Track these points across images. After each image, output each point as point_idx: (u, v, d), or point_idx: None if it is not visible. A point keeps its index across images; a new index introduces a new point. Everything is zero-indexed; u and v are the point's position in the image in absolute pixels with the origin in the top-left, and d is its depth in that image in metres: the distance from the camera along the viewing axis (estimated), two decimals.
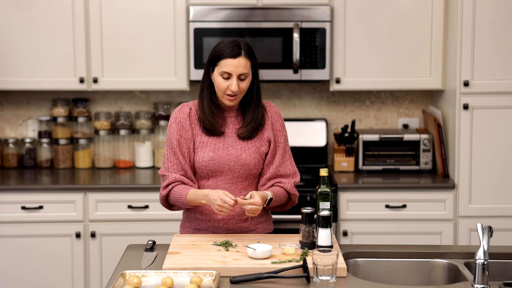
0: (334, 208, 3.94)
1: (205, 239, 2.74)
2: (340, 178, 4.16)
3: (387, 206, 4.00)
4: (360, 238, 3.97)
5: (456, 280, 2.55)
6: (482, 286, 2.31)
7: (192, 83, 4.21)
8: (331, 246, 2.56)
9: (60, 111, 4.41)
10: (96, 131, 4.42)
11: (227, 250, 2.61)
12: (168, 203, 2.82)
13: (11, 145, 4.42)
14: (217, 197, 2.61)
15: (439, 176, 4.16)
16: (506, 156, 3.99)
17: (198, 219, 2.84)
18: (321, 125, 4.44)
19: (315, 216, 2.63)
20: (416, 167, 4.25)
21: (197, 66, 4.10)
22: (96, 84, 4.17)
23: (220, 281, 2.38)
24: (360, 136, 4.28)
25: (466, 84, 3.95)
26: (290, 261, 2.50)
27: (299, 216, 2.64)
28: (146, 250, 2.71)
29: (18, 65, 4.14)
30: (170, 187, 2.76)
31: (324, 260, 2.28)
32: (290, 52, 4.10)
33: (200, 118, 2.79)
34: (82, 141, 4.42)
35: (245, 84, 2.74)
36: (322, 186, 2.69)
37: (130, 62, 4.17)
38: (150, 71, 4.18)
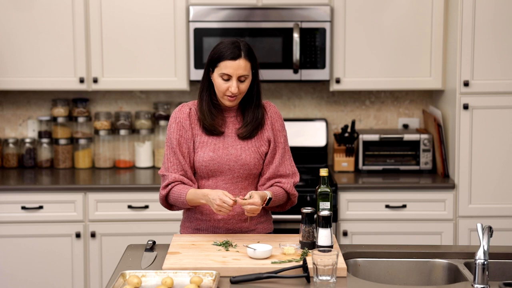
0: (334, 208, 3.94)
1: (205, 239, 2.74)
2: (340, 178, 4.16)
3: (387, 206, 4.00)
4: (360, 238, 3.97)
5: (456, 280, 2.55)
6: (482, 286, 2.31)
7: (192, 83, 4.21)
8: (331, 246, 2.56)
9: (60, 111, 4.41)
10: (96, 131, 4.42)
11: (227, 250, 2.61)
12: (167, 203, 2.82)
13: (11, 145, 4.42)
14: (216, 197, 2.61)
15: (439, 176, 4.16)
16: (506, 156, 3.99)
17: (198, 219, 2.84)
18: (321, 125, 4.44)
19: (315, 216, 2.63)
20: (416, 167, 4.25)
21: (197, 66, 4.10)
22: (96, 84, 4.17)
23: (220, 281, 2.38)
24: (360, 136, 4.28)
25: (466, 84, 3.95)
26: (290, 261, 2.50)
27: (299, 216, 2.64)
28: (146, 250, 2.71)
29: (18, 65, 4.14)
30: (169, 187, 2.77)
31: (324, 260, 2.28)
32: (290, 52, 4.10)
33: (200, 118, 2.79)
34: (82, 141, 4.42)
35: (245, 86, 2.74)
36: (322, 186, 2.69)
37: (130, 62, 4.17)
38: (150, 71, 4.18)
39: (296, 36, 4.06)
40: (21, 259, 3.96)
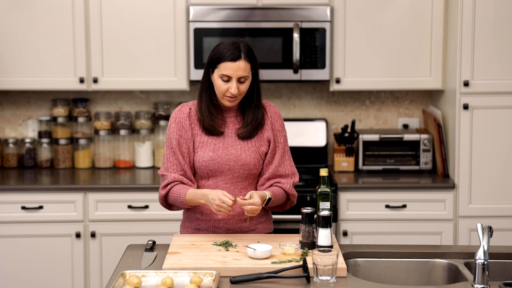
0: (334, 208, 3.94)
1: (205, 239, 2.74)
2: (340, 178, 4.16)
3: (387, 206, 4.00)
4: (360, 238, 3.97)
5: (456, 280, 2.55)
6: (482, 286, 2.31)
7: (192, 83, 4.21)
8: (331, 246, 2.56)
9: (60, 111, 4.41)
10: (96, 131, 4.42)
11: (227, 250, 2.61)
12: (167, 203, 2.83)
13: (11, 145, 4.42)
14: (216, 197, 2.61)
15: (439, 176, 4.16)
16: (506, 156, 3.99)
17: (198, 219, 2.84)
18: (321, 125, 4.44)
19: (315, 216, 2.63)
20: (416, 167, 4.25)
21: (197, 66, 4.10)
22: (96, 84, 4.17)
23: (220, 281, 2.38)
24: (360, 136, 4.28)
25: (466, 84, 3.95)
26: (290, 261, 2.50)
27: (299, 216, 2.64)
28: (146, 250, 2.71)
29: (18, 65, 4.14)
30: (169, 187, 2.77)
31: (324, 260, 2.28)
32: (290, 52, 4.10)
33: (200, 118, 2.79)
34: (82, 141, 4.42)
35: (244, 86, 2.74)
36: (322, 186, 2.69)
37: (130, 62, 4.17)
38: (150, 71, 4.18)
39: (296, 36, 4.06)
40: (21, 259, 3.96)
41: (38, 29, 4.12)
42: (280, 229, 3.51)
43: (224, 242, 2.67)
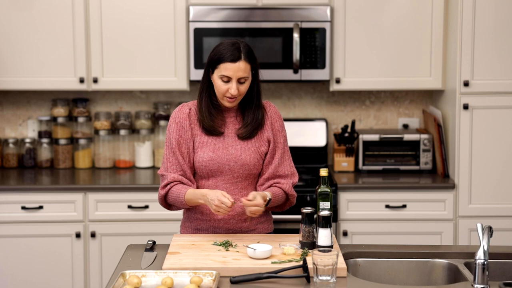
0: (334, 208, 3.94)
1: (205, 239, 2.74)
2: (340, 178, 4.16)
3: (387, 206, 4.00)
4: (360, 238, 3.97)
5: (456, 280, 2.55)
6: (482, 286, 2.31)
7: (192, 83, 4.21)
8: (331, 246, 2.56)
9: (60, 111, 4.41)
10: (96, 131, 4.42)
11: (227, 250, 2.61)
12: (166, 202, 2.83)
13: (11, 145, 4.42)
14: (215, 197, 2.61)
15: (439, 176, 4.16)
16: (506, 156, 3.99)
17: (198, 219, 2.84)
18: (321, 125, 4.44)
19: (315, 216, 2.63)
20: (416, 167, 4.25)
21: (197, 66, 4.10)
22: (96, 84, 4.17)
23: (220, 281, 2.38)
24: (360, 136, 4.28)
25: (466, 84, 3.95)
26: (290, 261, 2.50)
27: (299, 216, 2.64)
28: (146, 250, 2.71)
29: (18, 65, 4.14)
30: (168, 186, 2.77)
31: (324, 260, 2.28)
32: (290, 52, 4.10)
33: (200, 119, 2.79)
34: (82, 141, 4.42)
35: (244, 87, 2.74)
36: (322, 186, 2.69)
37: (130, 62, 4.17)
38: (150, 71, 4.18)
39: (296, 36, 4.06)
40: (21, 259, 3.96)
41: (38, 29, 4.12)
42: (280, 229, 3.51)
43: (224, 242, 2.67)
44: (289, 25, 4.09)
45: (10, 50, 4.13)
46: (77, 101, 4.42)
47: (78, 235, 3.95)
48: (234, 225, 2.82)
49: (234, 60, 2.68)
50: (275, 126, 2.85)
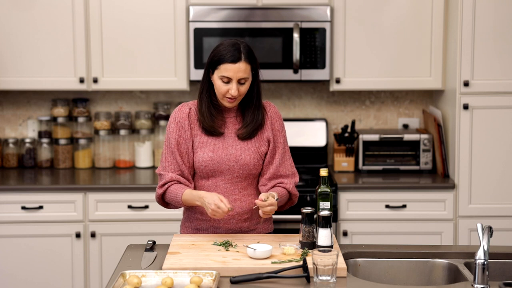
0: (334, 208, 3.94)
1: (205, 239, 2.74)
2: (340, 178, 4.16)
3: (387, 206, 4.00)
4: (360, 238, 3.97)
5: (456, 280, 2.55)
6: (482, 286, 2.31)
7: (192, 83, 4.21)
8: (331, 246, 2.56)
9: (60, 111, 4.41)
10: (96, 131, 4.42)
11: (227, 250, 2.61)
12: (164, 201, 2.83)
13: (11, 145, 4.42)
14: (212, 201, 2.61)
15: (439, 176, 4.16)
16: (506, 156, 3.99)
17: (198, 219, 2.84)
18: (321, 125, 4.44)
19: (315, 216, 2.63)
20: (416, 167, 4.25)
21: (197, 66, 4.10)
22: (96, 84, 4.17)
23: (220, 281, 2.38)
24: (360, 136, 4.28)
25: (466, 84, 3.95)
26: (290, 261, 2.50)
27: (299, 216, 2.64)
28: (146, 250, 2.71)
29: (18, 65, 4.14)
30: (166, 186, 2.77)
31: (324, 260, 2.28)
32: (290, 52, 4.10)
33: (200, 119, 2.79)
34: (82, 141, 4.42)
35: (244, 88, 2.74)
36: (322, 186, 2.69)
37: (130, 62, 4.17)
38: (150, 71, 4.18)
39: (296, 36, 4.06)
40: (21, 259, 3.96)
41: (38, 29, 4.12)
42: (280, 229, 3.51)
43: (224, 242, 2.67)
44: (289, 25, 4.09)
45: (10, 50, 4.13)
46: (77, 101, 4.42)
47: (78, 235, 3.95)
48: (234, 225, 2.82)
49: (235, 61, 2.68)
50: (275, 126, 2.85)
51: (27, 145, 4.43)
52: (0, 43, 4.12)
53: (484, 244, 2.30)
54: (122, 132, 4.43)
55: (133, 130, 4.47)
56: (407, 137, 4.25)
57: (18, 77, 4.16)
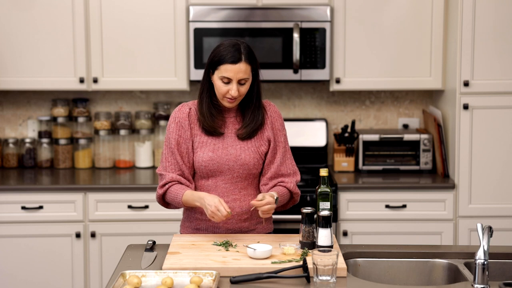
0: (334, 208, 3.94)
1: (205, 239, 2.74)
2: (340, 178, 4.16)
3: (387, 206, 4.00)
4: (360, 238, 3.97)
5: (456, 280, 2.55)
6: (482, 286, 2.31)
7: (192, 83, 4.21)
8: (331, 246, 2.56)
9: (60, 111, 4.41)
10: (96, 131, 4.42)
11: (227, 250, 2.61)
12: (164, 201, 2.83)
13: (11, 145, 4.42)
14: (212, 203, 2.61)
15: (439, 176, 4.16)
16: (506, 156, 3.99)
17: (198, 219, 2.84)
18: (321, 125, 4.44)
19: (315, 216, 2.63)
20: (416, 167, 4.25)
21: (197, 66, 4.10)
22: (96, 84, 4.17)
23: (220, 281, 2.38)
24: (360, 136, 4.28)
25: (466, 84, 3.95)
26: (290, 261, 2.50)
27: (299, 216, 2.64)
28: (146, 250, 2.71)
29: (18, 65, 4.14)
30: (166, 186, 2.77)
31: (324, 260, 2.28)
32: (290, 52, 4.10)
33: (200, 119, 2.79)
34: (82, 141, 4.42)
35: (245, 88, 2.74)
36: (322, 186, 2.69)
37: (130, 62, 4.17)
38: (150, 71, 4.18)
39: (296, 36, 4.06)
40: (21, 259, 3.96)
41: (38, 29, 4.12)
42: (280, 229, 3.51)
43: (224, 242, 2.67)
44: (289, 25, 4.09)
45: (10, 50, 4.13)
46: (77, 101, 4.42)
47: (78, 235, 3.95)
48: (234, 225, 2.82)
49: (235, 61, 2.68)
50: (275, 125, 2.85)
51: (27, 145, 4.43)
52: (0, 43, 4.12)
53: (484, 244, 2.30)
54: (122, 132, 4.43)
55: (133, 130, 4.47)
56: (407, 137, 4.25)
57: (18, 77, 4.16)
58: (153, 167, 4.45)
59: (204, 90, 2.80)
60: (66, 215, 3.96)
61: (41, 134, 4.46)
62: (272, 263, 2.48)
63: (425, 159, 4.23)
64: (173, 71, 4.18)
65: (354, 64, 4.17)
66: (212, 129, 2.78)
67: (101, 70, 4.16)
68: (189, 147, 2.79)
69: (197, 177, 2.83)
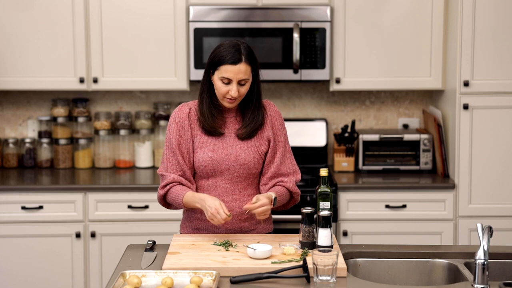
0: (334, 208, 3.94)
1: (205, 239, 2.74)
2: (340, 178, 4.16)
3: (387, 206, 4.00)
4: (360, 238, 3.97)
5: (456, 280, 2.55)
6: (482, 286, 2.31)
7: (192, 83, 4.21)
8: (331, 246, 2.56)
9: (60, 111, 4.41)
10: (96, 131, 4.42)
11: (227, 250, 2.61)
12: (165, 202, 2.83)
13: (11, 145, 4.42)
14: (213, 205, 2.61)
15: (439, 176, 4.16)
16: (506, 156, 3.99)
17: (198, 219, 2.84)
18: (321, 125, 4.44)
19: (315, 216, 2.63)
20: (416, 167, 4.25)
21: (197, 66, 4.10)
22: (96, 84, 4.17)
23: (220, 281, 2.38)
24: (360, 136, 4.28)
25: (466, 84, 3.95)
26: (290, 261, 2.50)
27: (299, 216, 2.64)
28: (146, 250, 2.71)
29: (18, 65, 4.14)
30: (168, 187, 2.77)
31: (324, 260, 2.28)
32: (290, 52, 4.10)
33: (200, 119, 2.79)
34: (82, 141, 4.42)
35: (245, 89, 2.74)
36: (322, 186, 2.69)
37: (130, 62, 4.17)
38: (150, 71, 4.18)
39: (296, 36, 4.06)
40: (21, 259, 3.96)
41: (38, 29, 4.12)
42: (280, 229, 3.51)
43: (224, 242, 2.67)
44: (289, 25, 4.10)
45: (10, 50, 4.13)
46: (77, 101, 4.42)
47: (78, 235, 3.95)
48: (234, 225, 2.82)
49: (235, 62, 2.68)
50: (275, 124, 2.85)
51: (27, 145, 4.43)
52: (0, 43, 4.12)
53: (484, 244, 2.30)
54: (122, 132, 4.43)
55: (133, 130, 4.47)
56: (407, 137, 4.25)
57: (18, 77, 4.16)
58: (153, 167, 4.45)
59: (204, 90, 2.80)
60: (66, 215, 3.96)
61: (41, 134, 4.46)
62: (272, 263, 2.48)
63: (425, 159, 4.23)
64: (173, 71, 4.18)
65: (354, 64, 4.17)
66: (212, 129, 2.78)
67: (101, 70, 4.16)
68: (189, 147, 2.79)
69: (197, 177, 2.83)
